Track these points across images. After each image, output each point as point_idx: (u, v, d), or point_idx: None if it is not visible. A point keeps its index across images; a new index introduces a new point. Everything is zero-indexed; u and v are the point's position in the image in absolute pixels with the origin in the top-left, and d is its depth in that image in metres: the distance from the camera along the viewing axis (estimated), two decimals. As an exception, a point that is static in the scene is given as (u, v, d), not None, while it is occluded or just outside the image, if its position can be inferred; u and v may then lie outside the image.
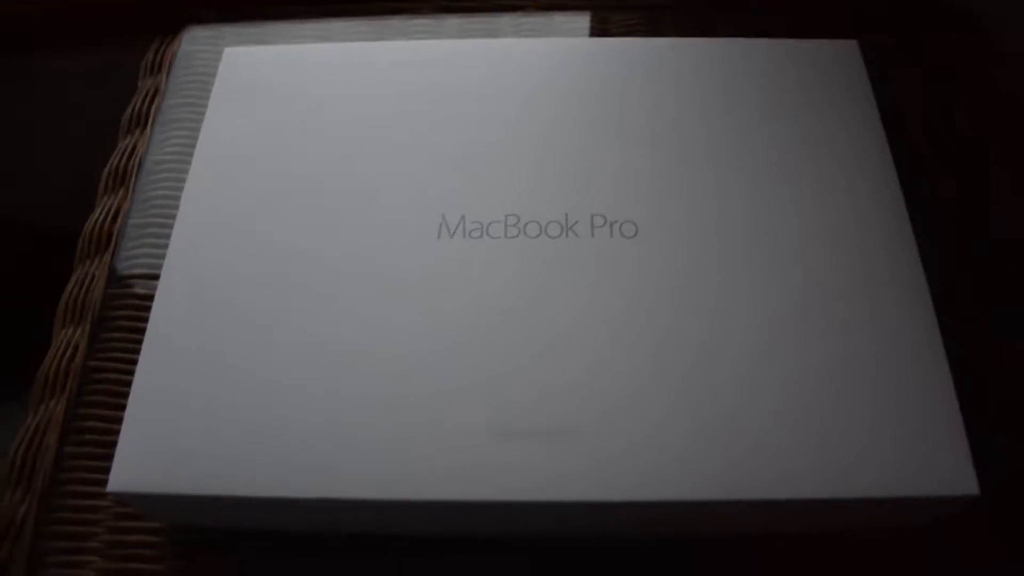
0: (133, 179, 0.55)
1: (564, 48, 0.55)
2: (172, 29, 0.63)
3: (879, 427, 0.40)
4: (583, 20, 0.63)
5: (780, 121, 0.50)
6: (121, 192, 0.55)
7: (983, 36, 0.62)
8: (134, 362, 0.43)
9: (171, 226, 0.47)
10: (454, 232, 0.46)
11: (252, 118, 0.51)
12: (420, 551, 0.44)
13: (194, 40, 0.62)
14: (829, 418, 0.40)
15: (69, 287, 0.52)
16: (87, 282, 0.52)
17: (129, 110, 0.59)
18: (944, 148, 0.56)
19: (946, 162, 0.55)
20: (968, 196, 0.54)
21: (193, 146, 0.50)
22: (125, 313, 0.50)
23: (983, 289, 0.51)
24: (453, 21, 0.63)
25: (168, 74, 0.60)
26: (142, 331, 0.44)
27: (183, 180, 0.49)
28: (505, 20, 0.63)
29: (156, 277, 0.46)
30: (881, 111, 0.50)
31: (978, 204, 0.54)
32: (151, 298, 0.45)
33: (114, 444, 0.41)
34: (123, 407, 0.42)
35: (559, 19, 0.63)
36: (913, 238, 0.45)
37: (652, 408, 0.41)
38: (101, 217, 0.54)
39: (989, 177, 0.55)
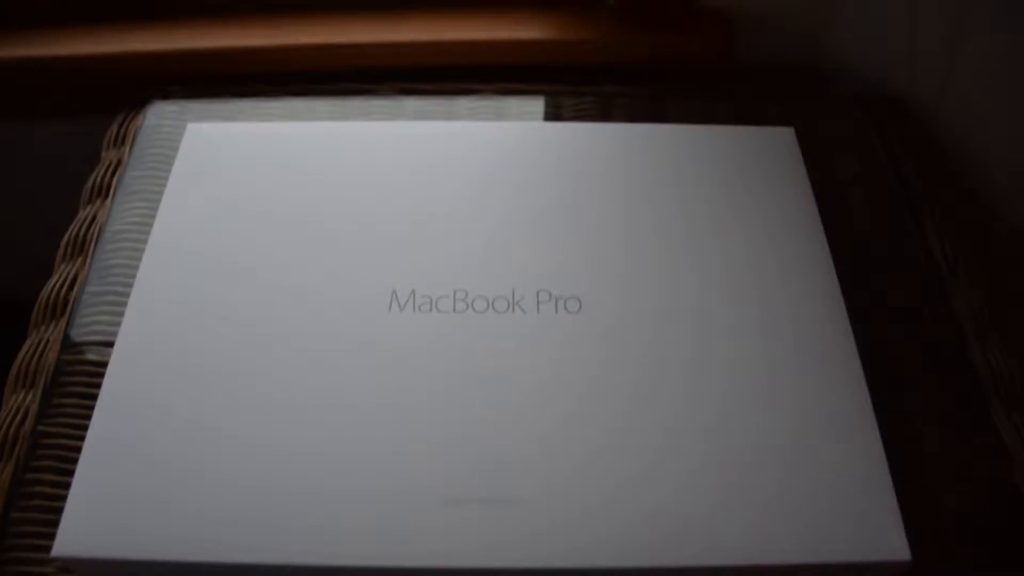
0: (92, 247, 0.56)
1: (517, 131, 0.57)
2: (138, 103, 0.65)
3: (812, 494, 0.42)
4: (537, 104, 0.66)
5: (721, 203, 0.52)
6: (79, 260, 0.56)
7: (920, 122, 0.66)
8: (85, 428, 0.43)
9: (127, 295, 0.48)
10: (404, 306, 0.47)
11: (212, 192, 0.52)
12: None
13: (159, 114, 0.64)
14: (763, 487, 0.42)
15: (22, 352, 0.52)
16: (41, 347, 0.52)
17: (91, 180, 0.60)
18: (877, 227, 0.59)
19: (878, 236, 0.58)
20: (897, 269, 0.57)
21: (153, 217, 0.51)
22: (78, 379, 0.51)
23: (913, 358, 0.53)
24: (411, 103, 0.65)
25: (132, 146, 0.61)
26: (94, 397, 0.44)
27: (141, 250, 0.50)
28: (462, 103, 0.65)
29: (110, 344, 0.47)
30: (818, 191, 0.53)
31: (913, 279, 0.56)
32: (105, 365, 0.46)
33: (61, 510, 0.41)
34: (72, 473, 0.42)
35: (514, 103, 0.66)
36: (845, 312, 0.48)
37: (594, 478, 0.42)
38: (58, 284, 0.55)
39: (927, 256, 0.57)
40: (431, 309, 0.47)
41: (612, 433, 0.43)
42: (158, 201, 0.52)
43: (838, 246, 0.51)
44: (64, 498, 0.41)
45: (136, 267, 0.49)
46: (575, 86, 0.67)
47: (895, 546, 0.40)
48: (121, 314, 0.47)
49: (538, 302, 0.48)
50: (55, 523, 0.41)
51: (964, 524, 0.46)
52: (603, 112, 0.66)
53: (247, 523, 0.40)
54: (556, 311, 0.47)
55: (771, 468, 0.42)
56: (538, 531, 0.40)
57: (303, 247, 0.50)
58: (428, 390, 0.44)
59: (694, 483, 0.42)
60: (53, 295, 0.54)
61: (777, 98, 0.67)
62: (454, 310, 0.47)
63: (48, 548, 0.41)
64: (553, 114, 0.66)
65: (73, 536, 0.40)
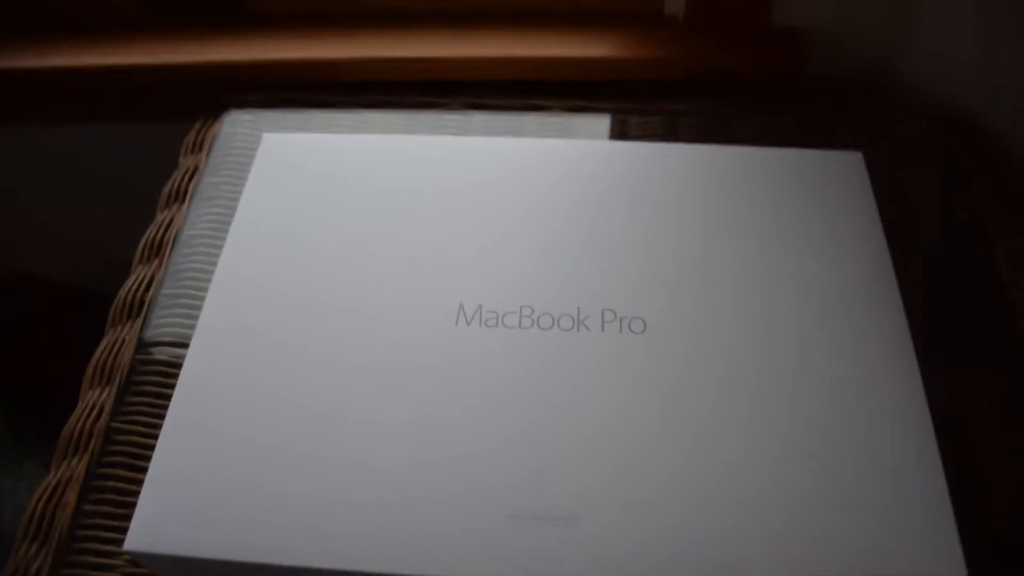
0: (168, 251, 0.58)
1: (584, 149, 0.58)
2: (214, 110, 0.67)
3: (869, 509, 0.41)
4: (604, 122, 0.67)
5: (785, 227, 0.52)
6: (156, 262, 0.57)
7: (993, 144, 0.65)
8: (157, 426, 0.45)
9: (202, 298, 0.50)
10: (471, 320, 0.48)
11: (285, 201, 0.53)
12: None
13: (235, 123, 0.65)
14: (821, 502, 0.42)
15: (99, 350, 0.54)
16: (117, 346, 0.54)
17: (169, 185, 0.62)
18: (944, 252, 0.58)
19: (943, 266, 0.58)
20: (966, 295, 0.56)
21: (228, 223, 0.53)
22: (151, 379, 0.52)
23: (975, 378, 0.52)
24: (479, 118, 0.66)
25: (208, 154, 0.63)
26: (167, 396, 0.46)
27: (216, 255, 0.52)
28: (529, 119, 0.66)
29: (184, 345, 0.48)
30: (885, 211, 0.53)
31: (983, 307, 0.56)
32: (178, 365, 0.47)
33: (132, 504, 0.43)
34: (143, 469, 0.44)
35: (581, 121, 0.66)
36: (909, 336, 0.47)
37: (655, 497, 0.42)
38: (135, 285, 0.56)
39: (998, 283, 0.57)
40: (497, 324, 0.48)
41: (675, 456, 0.43)
42: (233, 207, 0.54)
43: (906, 270, 0.50)
44: (135, 493, 0.43)
45: (210, 272, 0.51)
46: (643, 103, 0.67)
47: (951, 562, 0.40)
48: (194, 317, 0.49)
49: (603, 321, 0.48)
50: (126, 517, 0.42)
51: (1020, 539, 0.46)
52: (670, 130, 0.66)
53: (312, 529, 0.41)
54: (620, 331, 0.48)
55: (825, 485, 0.42)
56: (599, 551, 0.41)
57: (372, 259, 0.51)
58: (494, 405, 0.45)
59: (750, 502, 0.42)
60: (130, 295, 0.56)
61: (846, 117, 0.66)
62: (520, 326, 0.48)
63: (118, 541, 0.42)
64: (620, 132, 0.66)
65: (145, 532, 0.41)
